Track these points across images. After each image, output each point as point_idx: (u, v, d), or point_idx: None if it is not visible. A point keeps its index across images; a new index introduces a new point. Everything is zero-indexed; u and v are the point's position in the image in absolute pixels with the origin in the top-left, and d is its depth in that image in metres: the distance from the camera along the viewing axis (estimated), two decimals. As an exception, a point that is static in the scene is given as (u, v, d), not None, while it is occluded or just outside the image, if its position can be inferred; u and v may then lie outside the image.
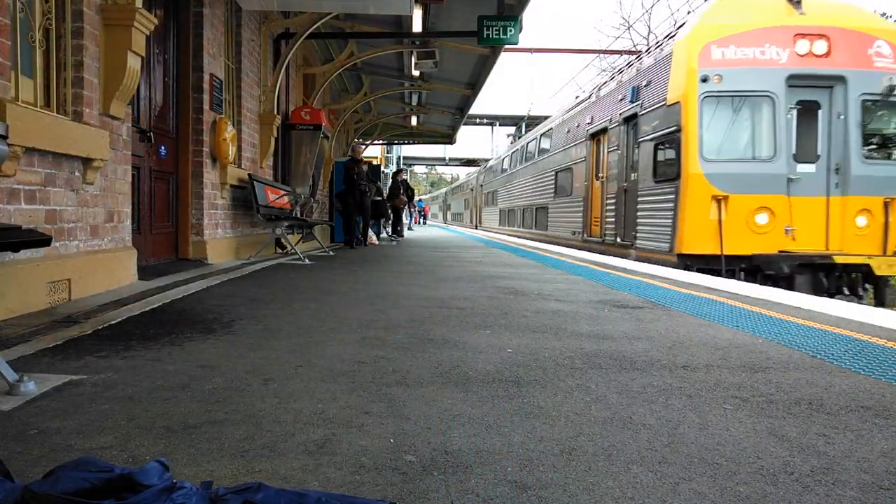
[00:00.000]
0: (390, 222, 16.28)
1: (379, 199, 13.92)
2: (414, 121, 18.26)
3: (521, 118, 38.35)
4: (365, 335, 3.00)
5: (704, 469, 1.49)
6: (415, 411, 1.87)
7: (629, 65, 11.22)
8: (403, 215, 17.53)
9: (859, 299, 7.49)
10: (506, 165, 21.88)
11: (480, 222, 28.84)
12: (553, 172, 14.64)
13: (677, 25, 9.52)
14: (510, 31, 8.76)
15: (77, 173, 3.88)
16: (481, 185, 28.83)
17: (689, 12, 14.36)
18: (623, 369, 2.45)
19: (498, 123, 40.80)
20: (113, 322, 3.15)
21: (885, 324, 3.62)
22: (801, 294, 5.48)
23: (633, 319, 3.65)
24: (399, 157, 38.91)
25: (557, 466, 1.49)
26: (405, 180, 17.82)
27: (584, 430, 1.74)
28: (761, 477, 1.46)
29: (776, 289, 5.74)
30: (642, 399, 2.05)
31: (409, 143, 26.45)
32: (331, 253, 9.27)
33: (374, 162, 19.40)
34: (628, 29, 30.57)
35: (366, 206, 11.57)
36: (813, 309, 4.18)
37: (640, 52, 14.87)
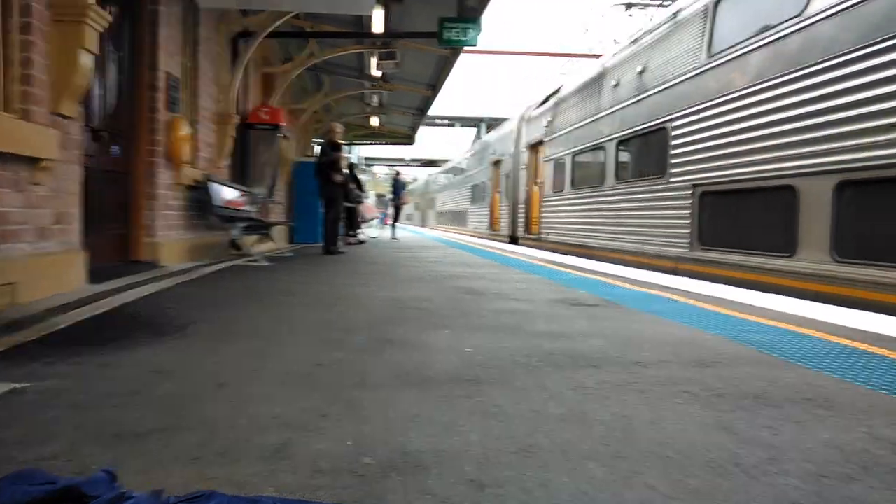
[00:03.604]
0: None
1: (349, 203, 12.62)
2: (375, 121, 18.15)
3: (482, 119, 38.58)
4: (324, 337, 2.98)
5: (656, 462, 1.53)
6: (374, 413, 1.86)
7: None
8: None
9: None
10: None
11: (529, 228, 14.19)
12: None
13: None
14: (470, 32, 8.83)
15: (24, 174, 3.74)
16: (533, 145, 13.74)
17: (650, 19, 14.35)
18: (578, 366, 2.49)
19: (458, 124, 40.98)
20: (60, 327, 3.04)
21: (828, 319, 3.77)
22: (750, 291, 5.67)
23: (588, 317, 3.71)
24: (359, 158, 38.68)
25: (514, 464, 1.51)
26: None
27: (540, 428, 1.76)
28: (710, 469, 1.50)
29: (727, 286, 5.92)
30: (597, 395, 2.09)
31: (369, 144, 26.18)
32: (289, 254, 9.15)
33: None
34: (586, 32, 31.19)
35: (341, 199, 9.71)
36: (762, 306, 4.33)
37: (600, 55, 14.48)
